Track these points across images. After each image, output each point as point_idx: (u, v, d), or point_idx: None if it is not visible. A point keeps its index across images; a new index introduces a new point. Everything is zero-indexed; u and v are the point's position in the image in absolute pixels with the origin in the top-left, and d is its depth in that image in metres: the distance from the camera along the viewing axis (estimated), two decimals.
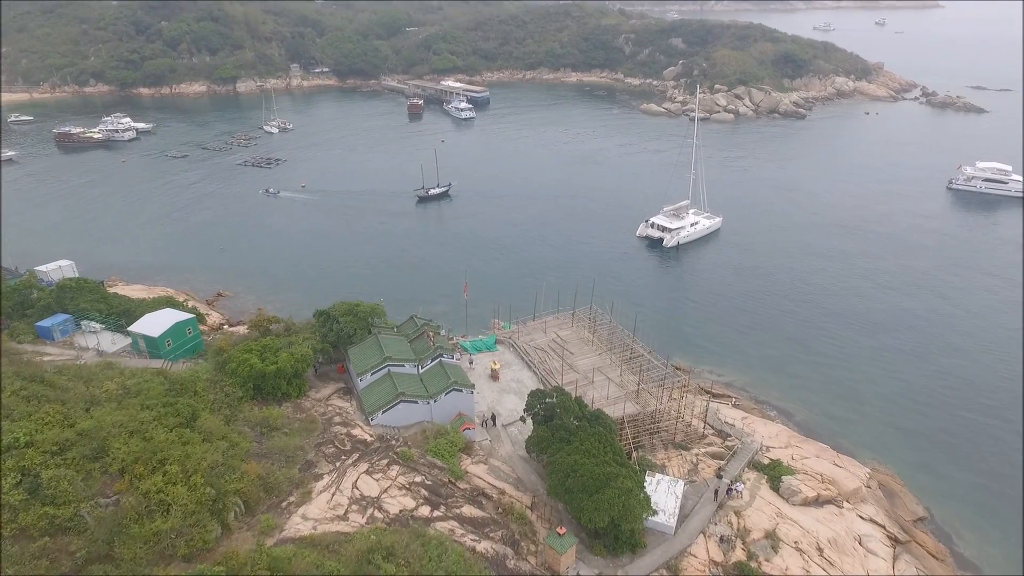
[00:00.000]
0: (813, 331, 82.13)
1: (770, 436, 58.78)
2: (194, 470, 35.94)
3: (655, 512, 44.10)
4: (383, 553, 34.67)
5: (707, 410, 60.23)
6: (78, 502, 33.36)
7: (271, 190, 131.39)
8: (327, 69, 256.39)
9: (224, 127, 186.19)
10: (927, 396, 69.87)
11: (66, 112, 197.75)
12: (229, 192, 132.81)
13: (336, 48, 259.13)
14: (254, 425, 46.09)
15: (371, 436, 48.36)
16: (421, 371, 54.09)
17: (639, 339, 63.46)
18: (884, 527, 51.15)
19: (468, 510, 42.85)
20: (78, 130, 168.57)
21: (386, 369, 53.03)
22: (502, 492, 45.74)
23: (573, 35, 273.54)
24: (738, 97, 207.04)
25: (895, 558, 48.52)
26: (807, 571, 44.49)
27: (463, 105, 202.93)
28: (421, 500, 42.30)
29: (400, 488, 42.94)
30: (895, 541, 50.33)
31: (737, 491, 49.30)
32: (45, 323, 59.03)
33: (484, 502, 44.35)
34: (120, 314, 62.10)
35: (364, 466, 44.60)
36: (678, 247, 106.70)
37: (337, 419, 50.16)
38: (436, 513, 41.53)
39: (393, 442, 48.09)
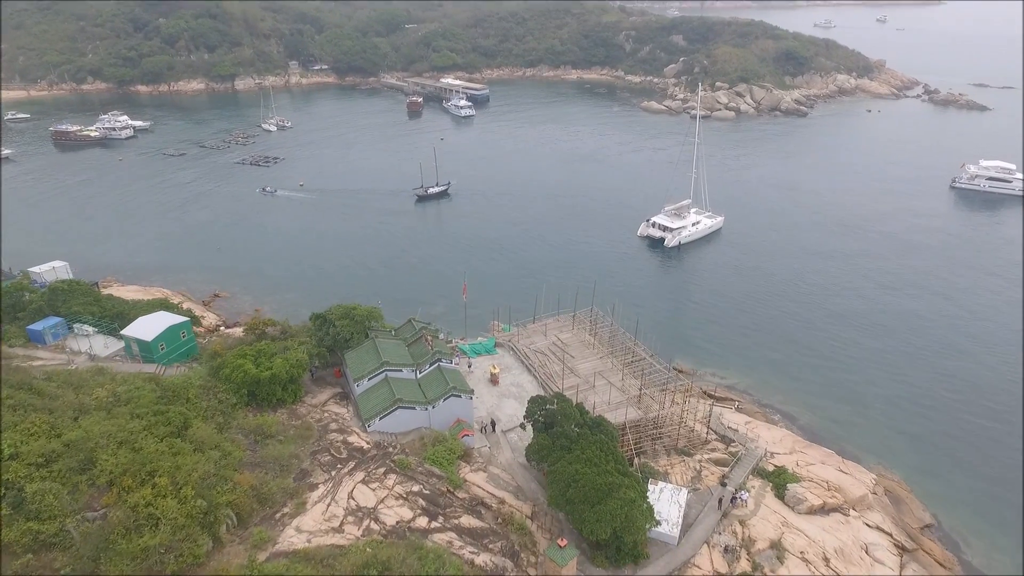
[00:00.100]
0: (815, 332, 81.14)
1: (774, 441, 57.84)
2: (184, 482, 34.93)
3: (658, 523, 43.12)
4: (379, 568, 33.72)
5: (710, 414, 59.29)
6: (63, 517, 32.34)
7: (268, 189, 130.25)
8: (326, 66, 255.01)
9: (222, 125, 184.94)
10: (931, 399, 68.92)
11: (63, 110, 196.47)
12: (226, 191, 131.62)
13: (335, 45, 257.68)
14: (248, 433, 45.08)
15: (368, 443, 47.38)
16: (419, 376, 53.12)
17: (640, 341, 62.46)
18: (891, 535, 50.25)
19: (467, 520, 41.88)
20: (75, 128, 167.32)
21: (383, 374, 52.03)
22: (502, 501, 44.75)
23: (573, 32, 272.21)
24: (739, 95, 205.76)
25: (902, 567, 47.63)
26: None
27: (463, 103, 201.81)
28: (419, 510, 41.32)
29: (397, 498, 41.96)
30: (902, 549, 49.42)
31: (742, 500, 48.31)
32: (37, 326, 58.02)
33: (483, 512, 43.37)
34: (113, 317, 61.11)
35: (360, 475, 43.63)
36: (679, 247, 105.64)
37: (333, 426, 49.18)
38: (434, 524, 40.55)
39: (390, 449, 47.10)
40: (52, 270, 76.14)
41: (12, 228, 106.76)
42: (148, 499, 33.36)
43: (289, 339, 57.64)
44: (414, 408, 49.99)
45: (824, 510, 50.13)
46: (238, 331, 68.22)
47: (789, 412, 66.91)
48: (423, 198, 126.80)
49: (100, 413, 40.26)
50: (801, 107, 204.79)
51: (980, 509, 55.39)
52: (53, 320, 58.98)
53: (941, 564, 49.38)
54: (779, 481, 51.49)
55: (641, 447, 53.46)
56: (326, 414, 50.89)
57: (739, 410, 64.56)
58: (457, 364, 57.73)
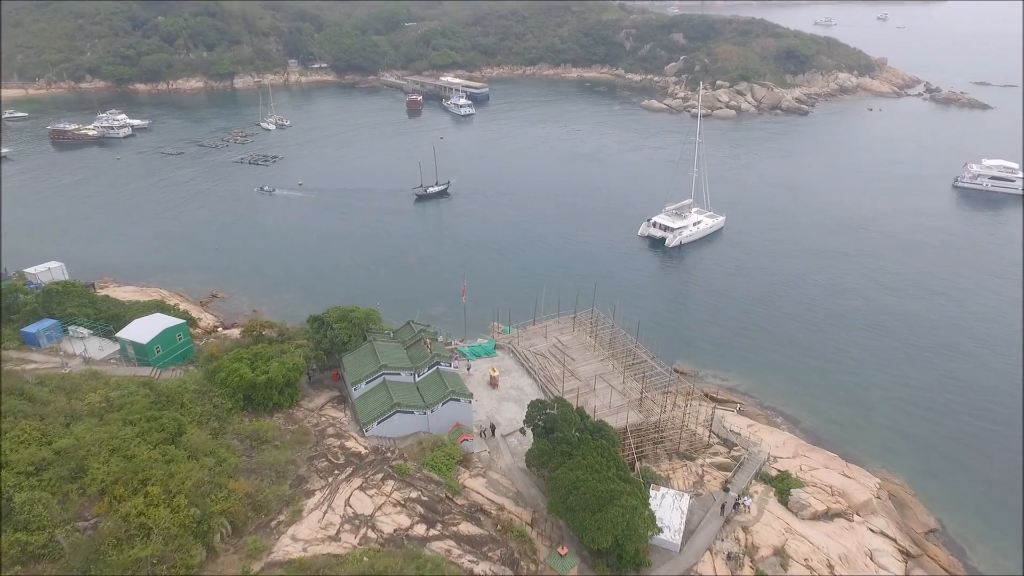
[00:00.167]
0: (817, 333, 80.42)
1: (777, 445, 57.08)
2: (178, 490, 34.28)
3: (660, 530, 42.42)
4: None
5: (712, 417, 58.61)
6: (53, 527, 31.67)
7: (267, 188, 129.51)
8: (325, 65, 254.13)
9: (221, 123, 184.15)
10: (934, 401, 68.21)
11: (62, 108, 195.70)
12: (225, 190, 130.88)
13: (334, 43, 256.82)
14: (243, 438, 44.43)
15: (366, 448, 46.73)
16: (418, 379, 52.43)
17: (641, 343, 61.74)
18: (895, 540, 49.54)
19: (466, 528, 41.20)
20: (73, 127, 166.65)
21: (381, 378, 51.34)
22: (501, 508, 44.04)
23: (573, 30, 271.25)
24: (740, 93, 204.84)
25: (907, 573, 46.98)
26: None
27: (462, 101, 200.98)
28: (417, 518, 40.65)
29: (395, 505, 41.29)
30: (907, 555, 48.73)
31: (745, 505, 47.64)
32: (31, 328, 57.37)
33: (482, 519, 42.67)
34: (109, 319, 60.45)
35: (358, 481, 42.97)
36: (680, 247, 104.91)
37: (331, 430, 48.54)
38: (432, 532, 39.87)
39: (388, 454, 46.45)
40: (48, 271, 75.43)
41: (9, 228, 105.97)
42: (140, 508, 32.71)
43: (286, 342, 56.94)
44: (412, 412, 49.33)
45: (828, 516, 49.42)
46: (236, 332, 67.52)
47: (791, 415, 66.19)
48: (422, 197, 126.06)
49: (92, 419, 39.57)
50: (802, 106, 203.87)
51: (985, 513, 54.64)
52: (48, 322, 58.33)
53: (946, 570, 48.67)
54: (782, 486, 50.77)
55: (642, 451, 52.79)
56: (323, 418, 50.25)
57: (741, 413, 63.80)
58: (456, 367, 57.09)
